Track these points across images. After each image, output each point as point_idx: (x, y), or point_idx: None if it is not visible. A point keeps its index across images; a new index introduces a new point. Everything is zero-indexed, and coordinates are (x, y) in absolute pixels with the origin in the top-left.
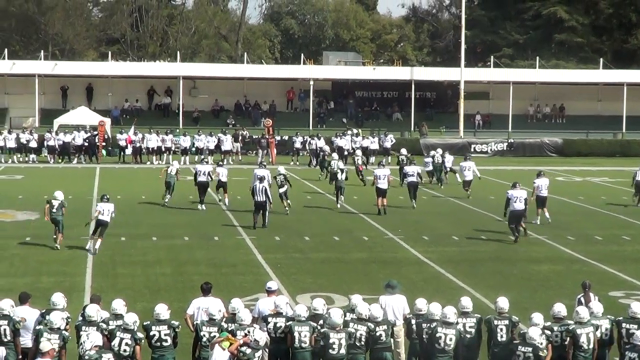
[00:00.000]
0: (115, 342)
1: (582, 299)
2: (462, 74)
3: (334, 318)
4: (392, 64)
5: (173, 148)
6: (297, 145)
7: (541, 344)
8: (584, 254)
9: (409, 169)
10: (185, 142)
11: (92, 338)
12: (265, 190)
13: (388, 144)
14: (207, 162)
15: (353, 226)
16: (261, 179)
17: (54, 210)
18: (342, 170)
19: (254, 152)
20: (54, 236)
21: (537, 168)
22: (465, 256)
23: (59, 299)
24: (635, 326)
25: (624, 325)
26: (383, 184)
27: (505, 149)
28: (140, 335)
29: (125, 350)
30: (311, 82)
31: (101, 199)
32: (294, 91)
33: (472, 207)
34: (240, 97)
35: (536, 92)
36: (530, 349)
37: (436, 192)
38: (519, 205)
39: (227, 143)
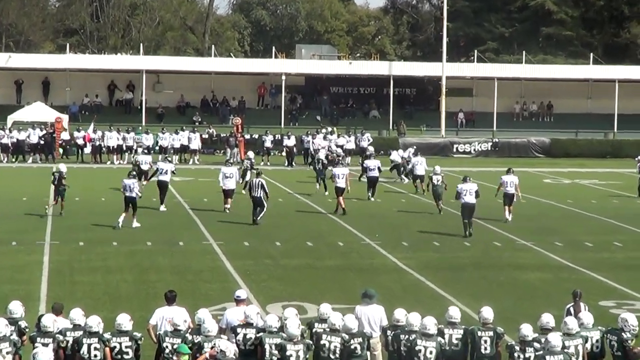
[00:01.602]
0: (84, 349)
1: (572, 309)
2: (444, 69)
3: (290, 329)
4: (369, 58)
5: (135, 147)
6: (268, 144)
7: (567, 348)
8: (573, 260)
9: (369, 162)
10: (148, 140)
11: (40, 357)
12: (262, 185)
13: (365, 143)
14: (170, 161)
15: (328, 231)
16: (258, 174)
17: (56, 181)
18: (319, 161)
19: (222, 151)
20: (52, 203)
21: (523, 169)
22: (446, 263)
23: (16, 307)
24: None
25: (608, 336)
26: (341, 183)
27: (489, 149)
28: (107, 336)
29: (95, 356)
30: (283, 77)
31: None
32: (265, 87)
33: (455, 210)
34: (208, 93)
35: (522, 88)
36: (561, 357)
37: (417, 194)
38: (469, 198)
39: (195, 142)
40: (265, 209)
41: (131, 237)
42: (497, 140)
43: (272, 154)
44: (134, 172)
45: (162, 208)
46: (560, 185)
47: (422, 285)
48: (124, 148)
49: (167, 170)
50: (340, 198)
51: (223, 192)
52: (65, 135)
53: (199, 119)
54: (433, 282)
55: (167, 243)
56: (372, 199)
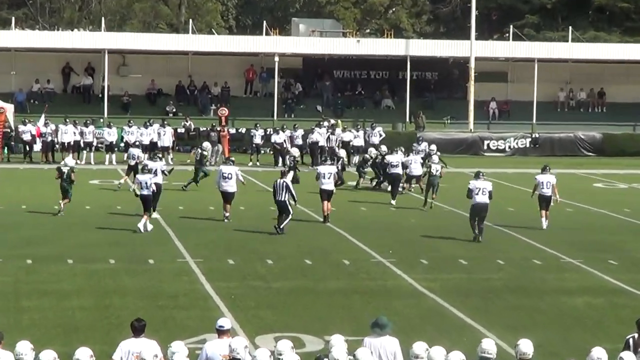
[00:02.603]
0: None
1: (632, 342)
2: (472, 48)
3: None
4: (381, 36)
5: (95, 143)
6: (257, 140)
7: None
8: (631, 283)
9: (392, 158)
10: (111, 135)
11: None
12: (287, 186)
13: (375, 139)
14: (160, 158)
15: (331, 246)
16: (283, 173)
17: (64, 177)
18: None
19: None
20: (60, 202)
21: (570, 171)
22: (476, 285)
23: None
24: None
25: None
26: (328, 185)
27: (528, 146)
28: None
29: None
30: (276, 59)
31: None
32: (254, 70)
33: (487, 222)
34: (184, 78)
35: (569, 72)
36: None
37: (439, 202)
38: (481, 198)
39: (167, 137)
40: (290, 216)
41: (90, 253)
42: (537, 135)
43: (262, 152)
44: (149, 167)
45: (155, 214)
46: (615, 191)
47: (446, 312)
48: (82, 145)
49: (155, 170)
50: (327, 203)
51: (222, 195)
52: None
53: (174, 110)
54: (459, 309)
55: (134, 261)
56: (393, 202)
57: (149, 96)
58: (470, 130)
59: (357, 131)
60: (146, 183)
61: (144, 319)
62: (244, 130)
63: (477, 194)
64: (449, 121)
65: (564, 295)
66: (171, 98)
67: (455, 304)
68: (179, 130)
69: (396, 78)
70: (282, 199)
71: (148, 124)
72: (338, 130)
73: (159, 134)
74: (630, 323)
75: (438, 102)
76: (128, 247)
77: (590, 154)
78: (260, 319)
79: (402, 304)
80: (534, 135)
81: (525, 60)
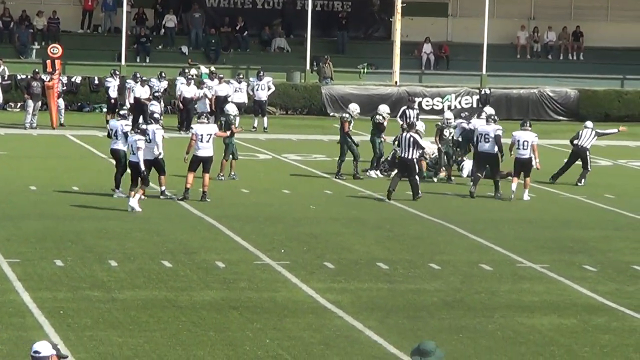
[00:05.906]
0: None
1: None
2: None
3: None
4: None
5: None
6: (113, 92)
7: None
8: (615, 297)
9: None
10: None
11: None
12: (415, 142)
13: (263, 93)
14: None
15: (199, 242)
16: (410, 126)
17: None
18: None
19: (19, 104)
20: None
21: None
22: (401, 299)
23: None
24: None
25: None
26: (205, 149)
27: (475, 105)
28: None
29: None
30: None
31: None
32: None
33: (418, 211)
34: None
35: (533, 4)
36: None
37: (350, 183)
38: (484, 146)
39: None
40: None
41: None
42: (487, 90)
43: (125, 112)
44: (142, 125)
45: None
46: (596, 170)
47: (358, 336)
48: None
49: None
50: (206, 176)
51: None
52: None
53: None
54: (378, 332)
55: None
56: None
57: None
58: (395, 83)
59: (239, 82)
60: (131, 146)
61: None
62: (79, 80)
63: (480, 140)
64: (365, 70)
65: (521, 313)
66: None
67: (372, 324)
68: None
69: (293, 9)
70: (410, 156)
71: None
72: (210, 83)
73: None
74: (613, 353)
75: (351, 43)
76: None
77: (562, 117)
78: (99, 342)
79: (298, 324)
80: (483, 91)
81: None
